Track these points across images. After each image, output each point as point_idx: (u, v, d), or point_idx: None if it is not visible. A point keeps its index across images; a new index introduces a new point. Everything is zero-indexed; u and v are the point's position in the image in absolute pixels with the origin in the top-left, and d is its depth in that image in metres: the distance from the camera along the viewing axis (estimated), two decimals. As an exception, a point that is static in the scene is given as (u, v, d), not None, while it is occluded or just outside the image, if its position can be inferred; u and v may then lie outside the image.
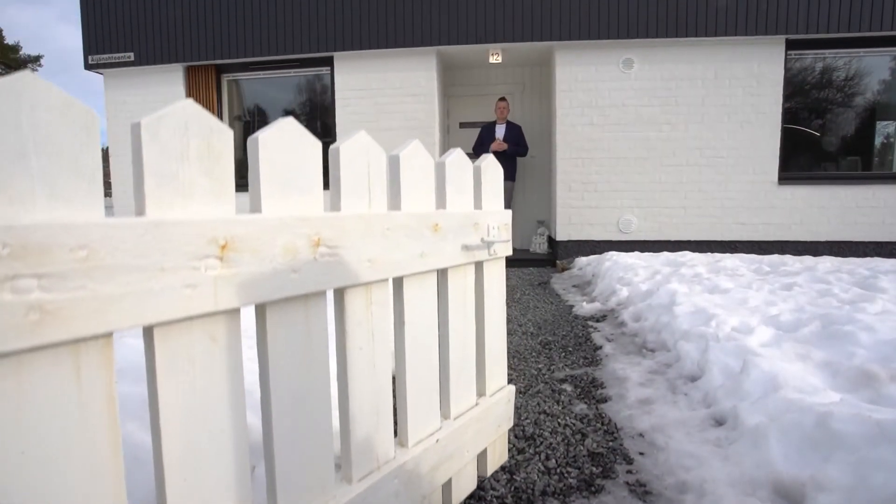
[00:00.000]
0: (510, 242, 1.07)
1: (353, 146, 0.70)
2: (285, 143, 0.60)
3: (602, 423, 1.78)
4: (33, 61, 30.14)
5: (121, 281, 0.44)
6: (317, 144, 0.64)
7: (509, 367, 2.43)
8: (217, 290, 0.52)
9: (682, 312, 2.53)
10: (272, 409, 0.62)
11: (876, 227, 5.05)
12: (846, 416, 1.27)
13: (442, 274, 0.91)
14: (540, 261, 5.41)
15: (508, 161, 5.39)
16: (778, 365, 1.74)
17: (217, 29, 5.53)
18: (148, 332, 0.49)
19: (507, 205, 5.49)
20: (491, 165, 1.04)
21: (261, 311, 0.59)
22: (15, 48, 29.24)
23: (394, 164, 0.79)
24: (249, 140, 0.57)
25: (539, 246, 5.80)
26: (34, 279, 0.39)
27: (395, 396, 0.89)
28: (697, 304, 2.58)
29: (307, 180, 0.63)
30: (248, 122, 6.09)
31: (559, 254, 5.32)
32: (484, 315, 1.05)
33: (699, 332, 2.27)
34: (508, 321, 3.30)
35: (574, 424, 1.77)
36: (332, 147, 0.69)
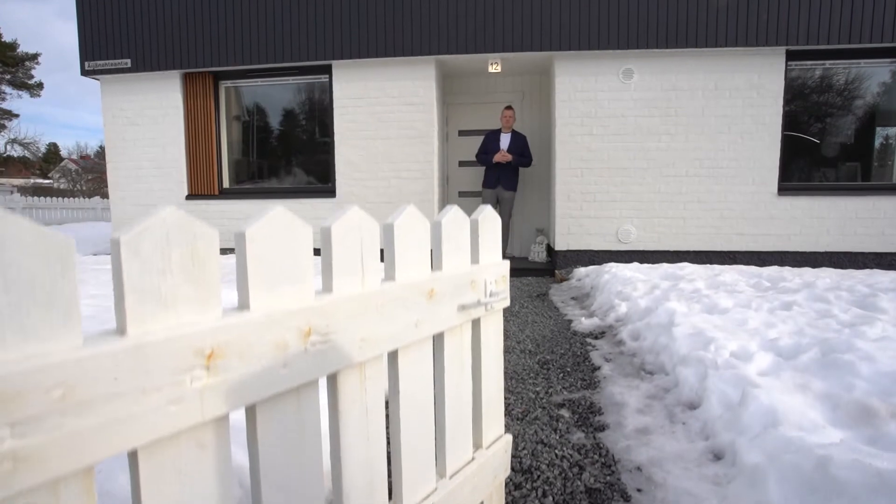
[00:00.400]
0: (507, 297, 1.05)
1: (345, 224, 0.69)
2: (274, 235, 0.58)
3: (600, 455, 1.77)
4: (31, 59, 29.98)
5: (100, 412, 0.42)
6: (307, 231, 0.62)
7: (507, 390, 2.41)
8: (204, 400, 0.50)
9: (681, 334, 2.52)
10: (262, 500, 0.61)
11: (876, 238, 5.05)
12: (846, 461, 1.26)
13: (438, 337, 0.90)
14: (539, 270, 5.39)
15: (511, 171, 5.36)
16: (777, 397, 1.73)
17: (214, 36, 5.50)
18: (132, 454, 0.47)
19: (509, 216, 5.47)
20: (488, 218, 1.02)
21: (250, 410, 0.57)
22: (12, 46, 29.11)
23: (388, 234, 0.77)
24: (236, 235, 0.55)
25: (538, 255, 5.78)
26: (7, 428, 0.37)
27: (389, 460, 0.88)
28: (696, 326, 2.57)
29: (298, 270, 0.61)
30: (247, 122, 6.03)
31: (558, 263, 5.31)
32: (481, 368, 1.04)
33: (698, 357, 2.25)
34: (506, 337, 3.28)
35: (571, 456, 1.76)
36: (322, 227, 0.67)
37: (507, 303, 1.06)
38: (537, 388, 2.43)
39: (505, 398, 2.32)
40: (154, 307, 0.47)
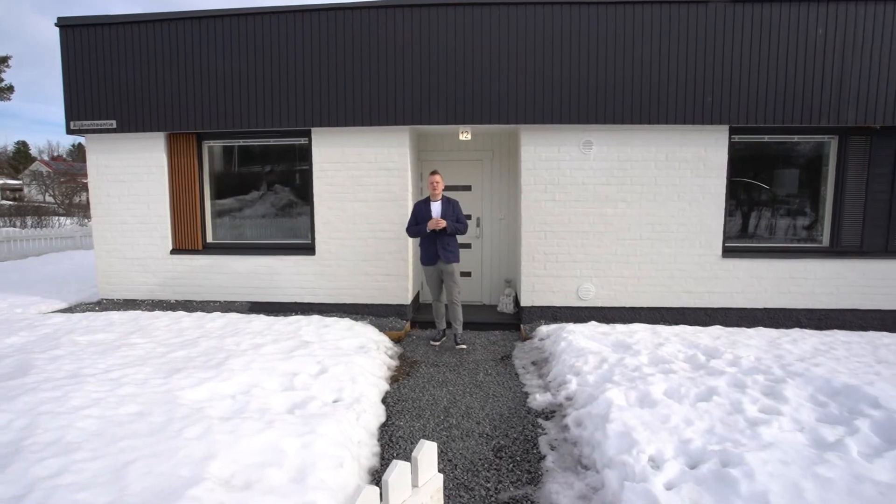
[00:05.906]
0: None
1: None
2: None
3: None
4: (1, 62, 29.16)
5: None
6: None
7: (462, 485, 2.78)
8: None
9: (613, 432, 2.93)
10: None
11: (807, 296, 5.60)
12: None
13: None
14: (506, 324, 5.79)
15: (450, 240, 4.87)
16: (672, 517, 2.15)
17: (198, 102, 5.73)
18: None
19: (457, 289, 4.97)
20: (425, 452, 1.40)
21: None
22: (-19, 49, 28.22)
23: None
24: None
25: (506, 306, 6.18)
26: None
27: None
28: (626, 424, 2.99)
29: None
30: (230, 180, 6.23)
31: (524, 318, 5.72)
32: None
33: (621, 461, 2.67)
34: (469, 416, 3.66)
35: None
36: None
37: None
38: (489, 485, 2.81)
39: (459, 495, 2.70)
40: None
